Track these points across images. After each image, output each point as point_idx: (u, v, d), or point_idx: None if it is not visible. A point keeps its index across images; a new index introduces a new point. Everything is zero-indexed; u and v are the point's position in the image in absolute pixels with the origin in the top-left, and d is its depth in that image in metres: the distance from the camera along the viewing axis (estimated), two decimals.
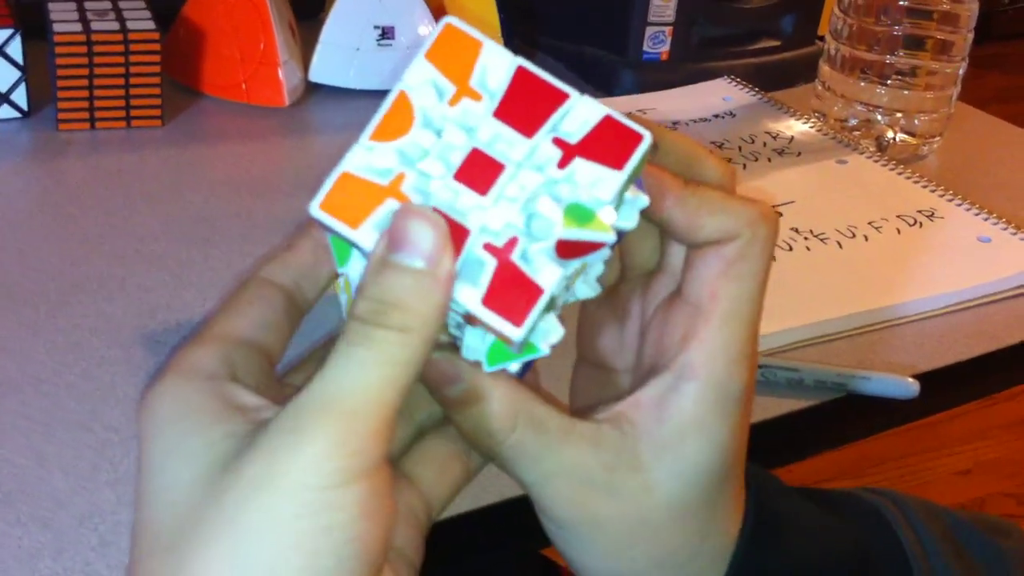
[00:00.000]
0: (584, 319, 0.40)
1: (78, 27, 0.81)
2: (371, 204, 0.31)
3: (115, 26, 0.82)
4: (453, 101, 0.32)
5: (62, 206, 0.74)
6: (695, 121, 0.92)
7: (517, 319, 0.30)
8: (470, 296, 0.30)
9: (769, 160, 0.86)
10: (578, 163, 0.31)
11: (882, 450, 1.82)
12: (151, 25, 0.82)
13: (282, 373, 0.36)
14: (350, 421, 0.29)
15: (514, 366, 0.33)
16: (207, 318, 0.35)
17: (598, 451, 0.34)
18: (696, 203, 0.34)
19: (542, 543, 0.38)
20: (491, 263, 0.30)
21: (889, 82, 0.90)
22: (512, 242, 0.31)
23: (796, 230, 0.76)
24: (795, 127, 0.91)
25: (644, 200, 0.33)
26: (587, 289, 0.35)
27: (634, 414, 0.34)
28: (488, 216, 0.31)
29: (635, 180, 0.33)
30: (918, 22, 0.89)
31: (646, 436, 0.34)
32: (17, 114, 0.83)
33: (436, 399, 0.34)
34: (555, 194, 0.31)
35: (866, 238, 0.76)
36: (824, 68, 0.94)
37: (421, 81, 0.32)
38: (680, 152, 0.35)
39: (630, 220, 0.33)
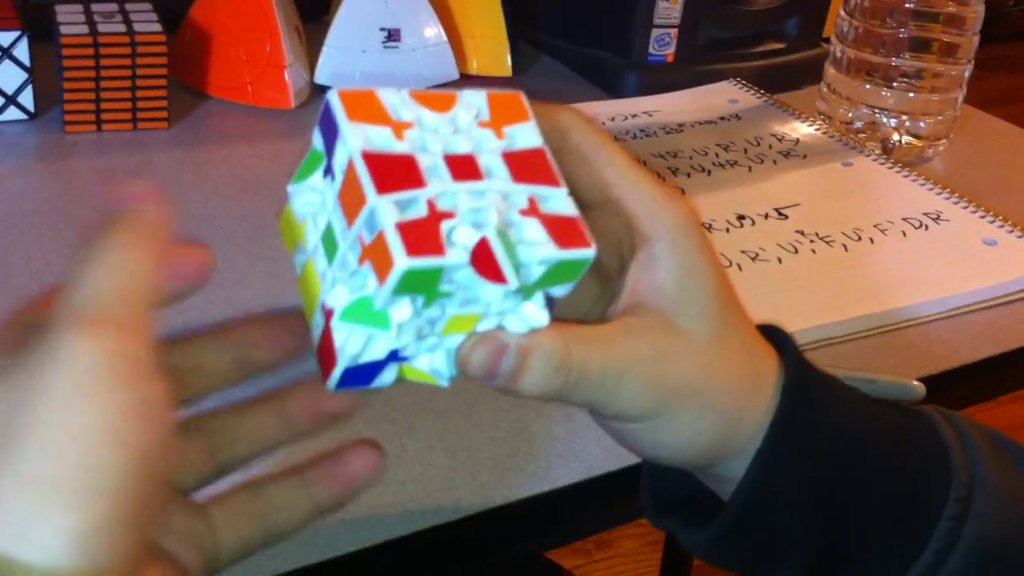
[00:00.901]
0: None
1: (85, 29, 0.81)
2: (375, 118, 0.34)
3: (122, 28, 0.82)
4: (483, 124, 0.36)
5: (68, 208, 0.74)
6: (700, 123, 0.92)
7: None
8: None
9: (775, 162, 0.86)
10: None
11: None
12: (157, 27, 0.82)
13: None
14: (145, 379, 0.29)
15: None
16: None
17: (634, 336, 0.37)
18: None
19: (547, 546, 0.38)
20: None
21: (895, 84, 0.90)
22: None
23: (802, 232, 0.76)
24: (800, 129, 0.91)
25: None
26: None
27: (638, 296, 0.38)
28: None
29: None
30: (924, 24, 0.89)
31: (656, 303, 0.38)
32: (24, 116, 0.83)
33: (494, 386, 0.35)
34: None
35: (872, 241, 0.76)
36: (829, 70, 0.94)
37: (474, 100, 0.36)
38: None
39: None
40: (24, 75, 0.82)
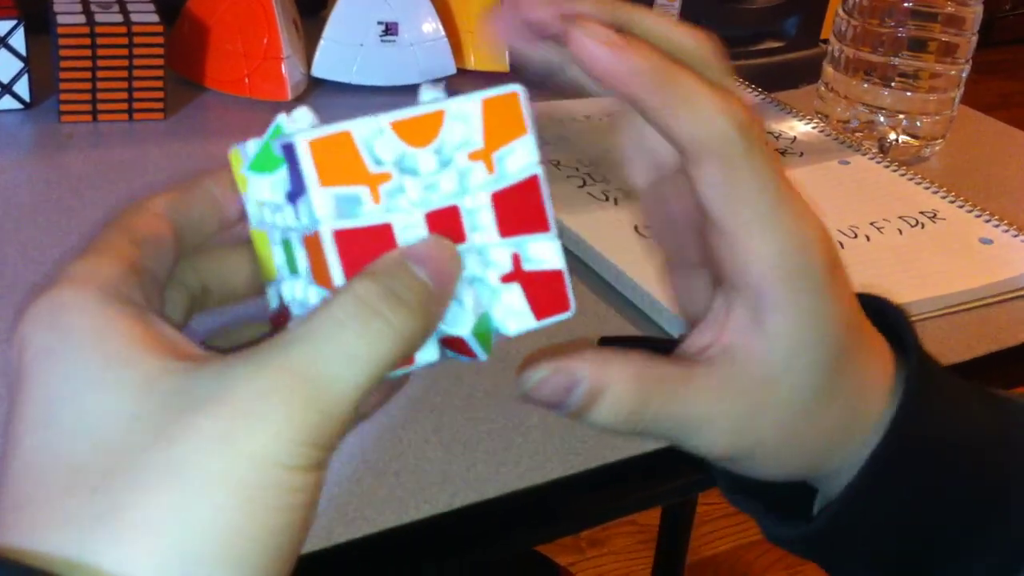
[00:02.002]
0: (650, 216, 0.38)
1: (82, 19, 0.81)
2: (348, 177, 0.30)
3: (119, 19, 0.82)
4: (473, 156, 0.32)
5: (64, 198, 0.74)
6: None
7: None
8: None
9: None
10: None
11: None
12: (155, 18, 0.82)
13: None
14: (329, 403, 0.27)
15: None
16: (100, 233, 0.32)
17: (725, 388, 0.34)
18: (665, 99, 0.32)
19: (541, 539, 0.38)
20: None
21: (892, 84, 0.90)
22: None
23: None
24: (798, 128, 0.91)
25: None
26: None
27: (737, 340, 0.34)
28: None
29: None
30: (922, 24, 0.89)
31: (762, 356, 0.34)
32: (19, 105, 0.83)
33: (562, 414, 0.34)
34: None
35: (868, 239, 0.76)
36: (827, 69, 0.94)
37: (465, 114, 0.32)
38: (657, 35, 0.34)
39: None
40: (20, 64, 0.82)
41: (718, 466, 0.41)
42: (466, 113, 0.32)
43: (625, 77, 0.31)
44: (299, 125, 0.31)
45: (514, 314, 0.33)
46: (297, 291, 0.32)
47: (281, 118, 0.31)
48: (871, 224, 0.77)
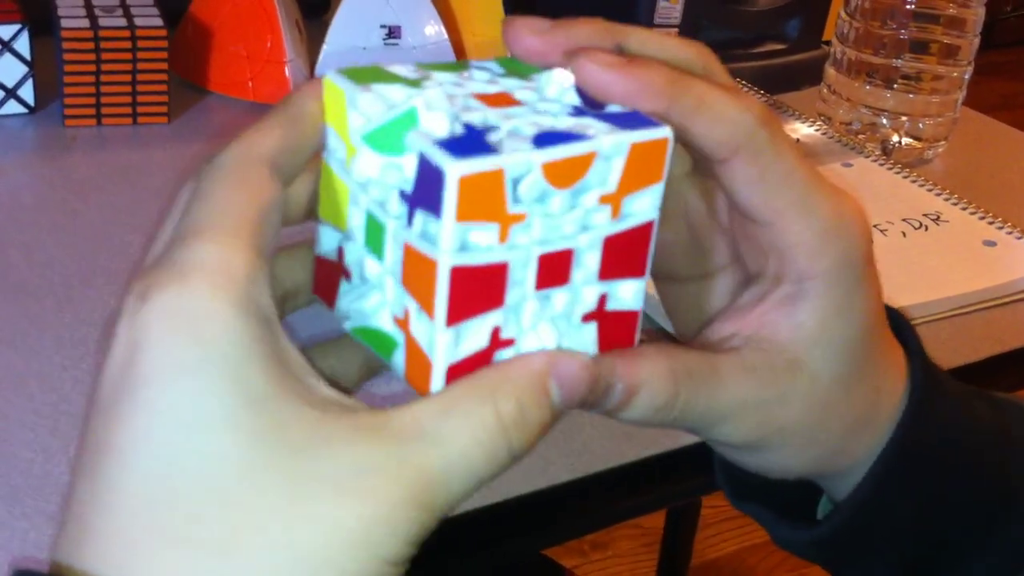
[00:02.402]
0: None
1: (86, 23, 0.81)
2: (486, 213, 0.29)
3: (122, 22, 0.82)
4: (604, 199, 0.30)
5: (68, 202, 0.74)
6: None
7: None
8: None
9: None
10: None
11: None
12: (159, 22, 0.82)
13: None
14: (440, 507, 0.28)
15: None
16: (213, 188, 0.30)
17: (752, 375, 0.34)
18: (685, 107, 0.32)
19: (545, 544, 0.38)
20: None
21: (895, 86, 0.90)
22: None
23: None
24: (800, 130, 0.91)
25: None
26: None
27: (767, 329, 0.35)
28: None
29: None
30: (924, 26, 0.89)
31: (789, 342, 0.34)
32: (24, 110, 0.83)
33: (599, 412, 0.33)
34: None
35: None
36: (830, 71, 0.94)
37: (612, 155, 0.30)
38: (655, 50, 0.34)
39: None
40: (24, 68, 0.82)
41: (724, 470, 0.41)
42: (613, 155, 0.30)
43: (639, 95, 0.31)
44: (436, 121, 0.29)
45: (580, 348, 0.32)
46: (371, 270, 0.31)
47: (418, 103, 0.29)
48: (874, 227, 0.77)
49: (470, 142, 0.28)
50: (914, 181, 0.84)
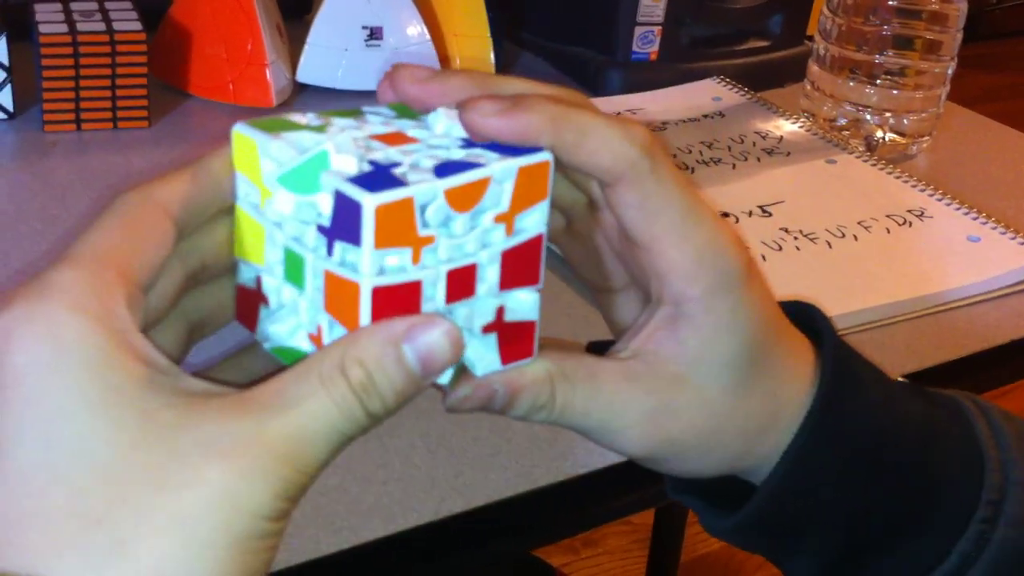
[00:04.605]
0: (571, 255, 0.40)
1: (64, 28, 0.81)
2: (400, 239, 0.32)
3: (101, 27, 0.81)
4: (499, 218, 0.33)
5: (48, 207, 0.74)
6: (684, 121, 0.91)
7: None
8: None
9: (758, 160, 0.86)
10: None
11: None
12: (138, 26, 0.82)
13: None
14: (306, 464, 0.30)
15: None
16: (101, 220, 0.32)
17: (634, 384, 0.36)
18: (567, 141, 0.34)
19: (530, 546, 0.38)
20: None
21: (878, 82, 0.90)
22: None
23: (785, 230, 0.76)
24: (784, 127, 0.91)
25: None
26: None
27: (652, 345, 0.37)
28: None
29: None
30: (907, 22, 0.89)
31: (673, 358, 0.36)
32: (2, 115, 0.83)
33: (493, 412, 0.36)
34: None
35: (856, 238, 0.76)
36: (813, 68, 0.93)
37: (503, 179, 0.33)
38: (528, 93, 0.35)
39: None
40: (3, 74, 0.81)
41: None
42: (504, 179, 0.33)
43: (524, 136, 0.33)
44: (346, 161, 0.32)
45: (484, 359, 0.35)
46: (287, 296, 0.34)
47: (328, 146, 0.32)
48: (858, 223, 0.77)
49: (379, 177, 0.31)
50: (898, 177, 0.84)
